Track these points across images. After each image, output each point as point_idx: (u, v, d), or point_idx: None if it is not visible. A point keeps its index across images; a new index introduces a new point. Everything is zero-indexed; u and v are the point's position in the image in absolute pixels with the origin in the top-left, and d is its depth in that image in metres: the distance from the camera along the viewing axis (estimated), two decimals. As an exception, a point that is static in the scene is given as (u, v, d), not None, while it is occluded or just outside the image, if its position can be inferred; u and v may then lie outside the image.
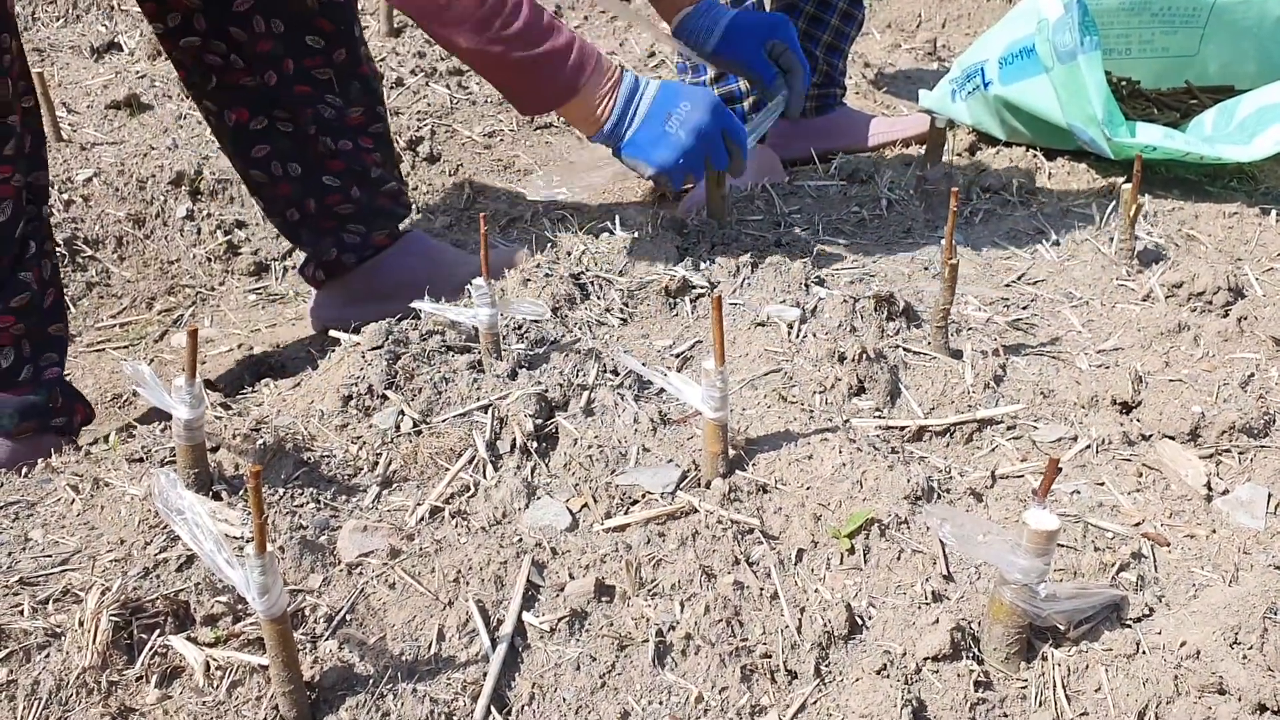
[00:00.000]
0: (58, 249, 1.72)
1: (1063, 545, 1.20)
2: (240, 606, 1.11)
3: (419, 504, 1.27)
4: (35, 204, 1.60)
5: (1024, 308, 1.71)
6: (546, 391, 1.43)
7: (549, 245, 1.89)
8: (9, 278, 1.56)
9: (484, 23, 1.53)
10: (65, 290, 1.73)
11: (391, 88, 2.99)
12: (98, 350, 2.10)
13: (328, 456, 1.34)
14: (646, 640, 1.08)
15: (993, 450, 1.38)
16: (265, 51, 1.77)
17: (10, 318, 1.56)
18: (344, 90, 1.85)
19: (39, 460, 1.41)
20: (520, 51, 1.56)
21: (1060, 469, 1.05)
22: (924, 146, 2.32)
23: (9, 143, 1.52)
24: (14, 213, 1.54)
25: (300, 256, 2.23)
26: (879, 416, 1.42)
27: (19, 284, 1.57)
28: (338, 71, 1.84)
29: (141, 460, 1.36)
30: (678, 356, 1.58)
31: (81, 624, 1.05)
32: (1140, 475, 1.33)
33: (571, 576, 1.16)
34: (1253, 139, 1.97)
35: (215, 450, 1.31)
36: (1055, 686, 1.04)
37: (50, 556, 1.19)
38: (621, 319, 1.68)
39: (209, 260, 2.32)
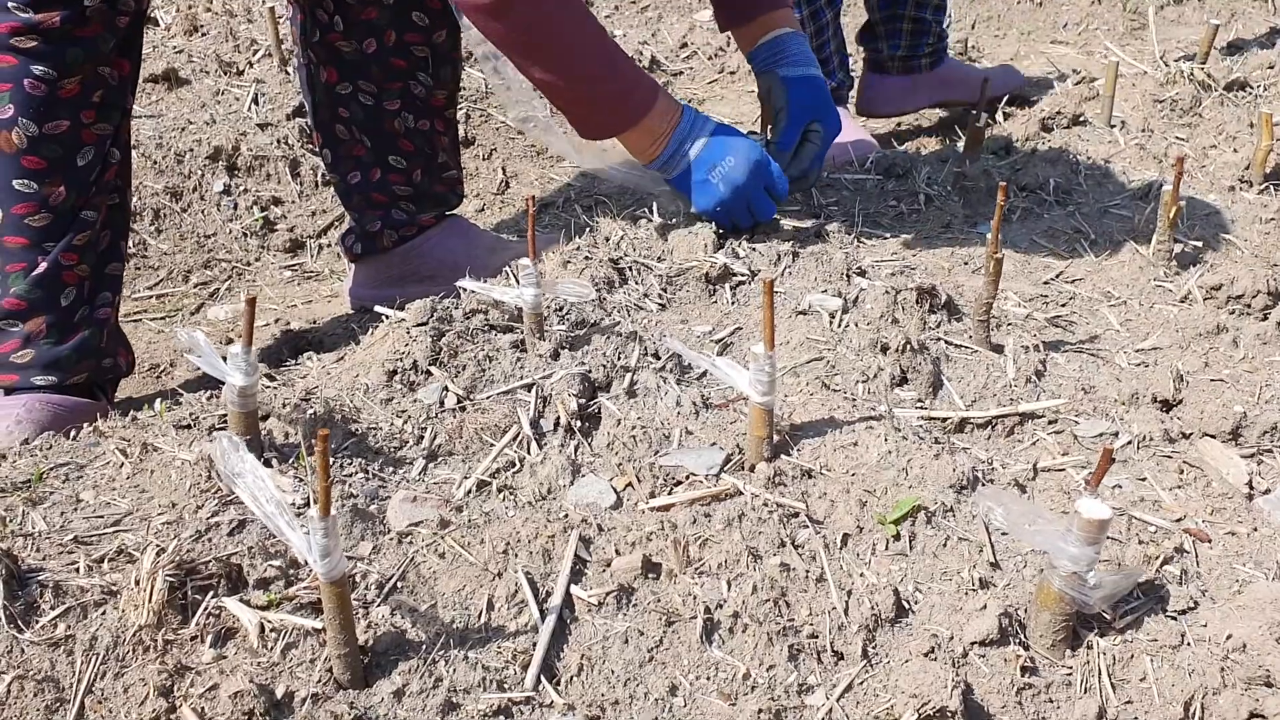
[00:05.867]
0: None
1: (1107, 537, 1.21)
2: (293, 571, 1.12)
3: (466, 477, 1.28)
4: (118, 148, 1.67)
5: (1063, 305, 1.71)
6: (590, 372, 1.44)
7: (586, 230, 1.89)
8: (75, 217, 1.61)
9: (563, 61, 1.64)
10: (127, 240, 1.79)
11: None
12: (134, 321, 2.11)
13: (374, 428, 1.35)
14: (694, 617, 1.09)
15: (1034, 444, 1.39)
16: (370, 19, 1.82)
17: (74, 255, 1.62)
18: (436, 71, 1.90)
19: (85, 424, 1.42)
20: (589, 88, 1.68)
21: (1114, 460, 1.06)
22: (960, 143, 2.32)
23: (97, 91, 1.57)
24: (94, 158, 1.61)
25: (337, 231, 2.24)
26: (921, 407, 1.43)
27: (82, 222, 1.62)
28: (434, 51, 1.89)
29: (189, 427, 1.37)
30: (717, 342, 1.59)
31: (137, 583, 1.06)
32: (1181, 472, 1.33)
33: (618, 553, 1.17)
34: None
35: (265, 419, 1.32)
36: (1100, 675, 1.05)
37: (102, 517, 1.21)
38: (660, 304, 1.68)
39: (245, 235, 2.34)
